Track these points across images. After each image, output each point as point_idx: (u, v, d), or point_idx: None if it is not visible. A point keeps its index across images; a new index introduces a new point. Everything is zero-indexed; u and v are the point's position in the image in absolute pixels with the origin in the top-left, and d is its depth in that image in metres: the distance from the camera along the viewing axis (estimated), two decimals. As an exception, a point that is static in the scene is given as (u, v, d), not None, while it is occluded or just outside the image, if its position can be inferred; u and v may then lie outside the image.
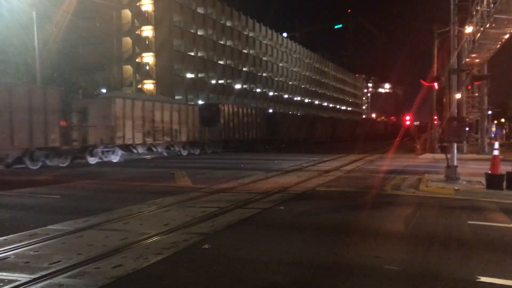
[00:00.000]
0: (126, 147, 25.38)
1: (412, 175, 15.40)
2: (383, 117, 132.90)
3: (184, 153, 30.14)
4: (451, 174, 13.08)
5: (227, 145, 35.67)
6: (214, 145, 33.62)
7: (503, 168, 11.43)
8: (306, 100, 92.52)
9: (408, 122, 34.58)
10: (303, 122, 55.43)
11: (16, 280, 4.75)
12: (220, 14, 63.58)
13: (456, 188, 11.61)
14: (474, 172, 15.36)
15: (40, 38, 27.37)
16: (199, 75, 58.54)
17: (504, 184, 10.94)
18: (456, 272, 5.09)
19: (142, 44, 53.34)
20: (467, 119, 30.16)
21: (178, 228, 7.24)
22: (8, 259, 5.60)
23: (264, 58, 76.63)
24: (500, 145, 14.15)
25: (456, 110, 16.10)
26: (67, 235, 6.81)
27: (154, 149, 27.83)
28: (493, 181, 11.12)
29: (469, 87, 25.16)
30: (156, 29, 52.69)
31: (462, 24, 20.81)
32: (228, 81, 65.33)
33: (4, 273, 5.00)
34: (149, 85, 53.83)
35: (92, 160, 22.64)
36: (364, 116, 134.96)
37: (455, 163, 13.44)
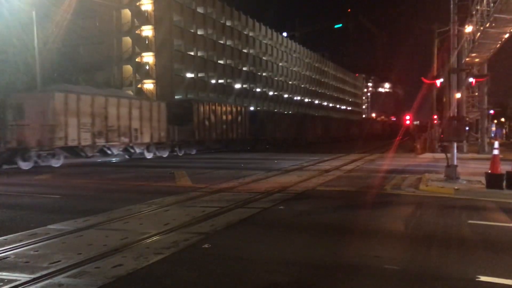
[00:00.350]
0: (70, 150, 21.91)
1: (412, 175, 15.39)
2: (383, 117, 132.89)
3: (149, 155, 26.72)
4: (451, 174, 13.07)
5: (202, 146, 32.77)
6: (186, 146, 30.52)
7: (503, 168, 11.42)
8: (306, 100, 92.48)
9: (408, 122, 34.53)
10: (292, 121, 52.25)
11: (16, 280, 4.75)
12: (220, 14, 63.56)
13: (456, 187, 11.60)
14: (474, 171, 15.35)
15: (40, 38, 27.37)
16: (199, 75, 58.53)
17: (504, 183, 10.93)
18: (456, 272, 5.09)
19: (142, 44, 53.32)
20: (467, 119, 30.18)
21: (178, 227, 7.23)
22: (8, 258, 5.60)
23: (264, 58, 76.60)
24: (500, 145, 14.16)
25: (456, 110, 16.12)
26: (67, 235, 6.81)
27: (109, 152, 24.02)
28: (493, 180, 11.11)
29: (473, 83, 24.93)
30: (156, 29, 52.66)
31: (462, 23, 20.83)
32: (228, 80, 65.31)
33: (4, 273, 5.00)
34: (149, 85, 53.82)
35: (25, 165, 19.47)
36: (364, 116, 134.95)
37: (455, 162, 13.43)
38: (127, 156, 26.46)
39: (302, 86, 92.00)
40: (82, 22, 46.25)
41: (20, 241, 6.41)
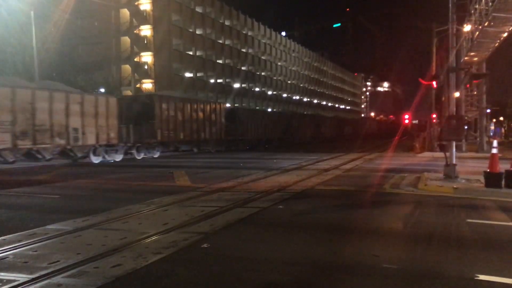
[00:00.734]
0: None
1: (411, 174, 15.39)
2: (382, 116, 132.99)
3: (97, 160, 22.59)
4: (450, 173, 13.08)
5: (167, 148, 29.39)
6: (146, 149, 26.74)
7: (502, 167, 11.43)
8: (305, 99, 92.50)
9: (407, 121, 34.53)
10: (278, 120, 48.14)
11: (14, 280, 4.74)
12: (219, 13, 63.57)
13: (455, 186, 11.61)
14: (473, 170, 15.35)
15: (38, 37, 27.37)
16: (198, 74, 58.53)
17: (503, 182, 10.94)
18: (455, 271, 5.09)
19: (140, 44, 53.31)
20: (466, 118, 30.19)
21: (177, 227, 7.23)
22: (7, 259, 5.59)
23: (263, 57, 76.63)
24: (499, 144, 14.16)
25: (454, 109, 16.13)
26: (66, 235, 6.80)
27: (39, 156, 20.09)
28: (492, 179, 11.11)
29: (468, 85, 25.14)
30: (154, 29, 52.67)
31: (461, 22, 20.82)
32: (227, 80, 65.33)
33: (2, 273, 4.99)
34: (147, 85, 53.83)
35: None
36: (363, 115, 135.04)
37: (454, 161, 13.44)
38: (70, 161, 22.34)
39: (301, 85, 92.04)
40: (81, 22, 46.32)
41: (19, 241, 6.40)
